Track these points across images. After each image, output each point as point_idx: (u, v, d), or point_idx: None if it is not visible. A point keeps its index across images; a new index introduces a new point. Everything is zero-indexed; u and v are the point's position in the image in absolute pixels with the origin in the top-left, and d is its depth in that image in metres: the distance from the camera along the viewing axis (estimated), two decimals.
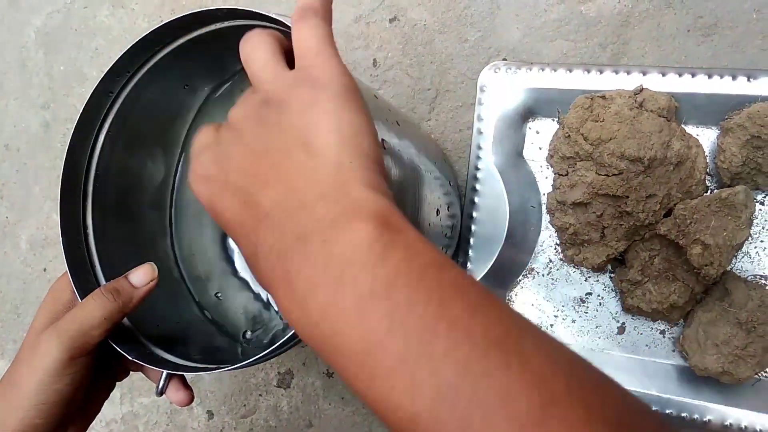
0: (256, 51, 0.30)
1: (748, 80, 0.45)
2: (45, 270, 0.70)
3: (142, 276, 0.39)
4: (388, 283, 0.22)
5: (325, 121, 0.27)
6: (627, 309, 0.47)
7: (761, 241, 0.45)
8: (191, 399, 0.41)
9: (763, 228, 0.45)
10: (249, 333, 0.50)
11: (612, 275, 0.49)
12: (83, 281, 0.40)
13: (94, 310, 0.37)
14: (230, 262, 0.54)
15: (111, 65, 0.40)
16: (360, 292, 0.22)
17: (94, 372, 0.38)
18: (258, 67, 0.30)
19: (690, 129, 0.47)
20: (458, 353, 0.21)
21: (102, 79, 0.40)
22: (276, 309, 0.53)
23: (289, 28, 0.36)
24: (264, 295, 0.53)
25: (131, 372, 0.44)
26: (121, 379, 0.44)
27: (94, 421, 0.43)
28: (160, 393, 0.39)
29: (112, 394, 0.65)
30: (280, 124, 0.27)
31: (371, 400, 0.22)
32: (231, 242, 0.54)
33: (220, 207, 0.28)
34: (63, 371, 0.36)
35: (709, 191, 0.46)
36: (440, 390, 0.20)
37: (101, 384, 0.42)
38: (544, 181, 0.50)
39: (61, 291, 0.40)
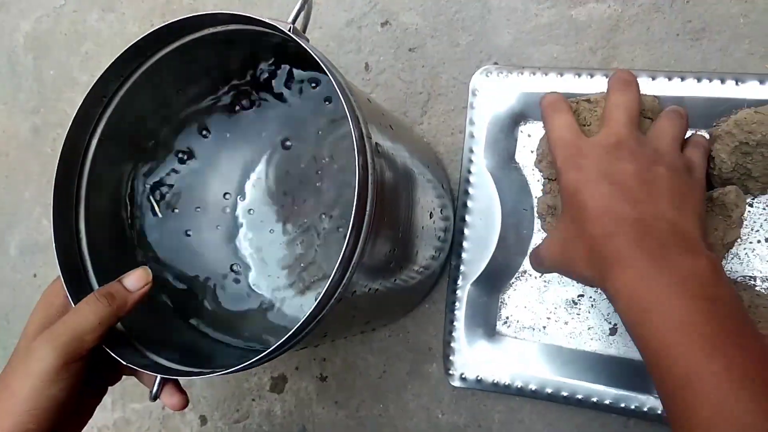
0: (676, 127, 0.42)
1: (737, 84, 0.45)
2: (35, 276, 0.70)
3: (135, 280, 0.39)
4: (716, 310, 0.32)
5: (697, 202, 0.39)
6: None
7: (750, 243, 0.46)
8: (186, 403, 0.40)
9: (752, 230, 0.46)
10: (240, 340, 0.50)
11: None
12: (76, 287, 0.40)
13: (87, 315, 0.37)
14: (223, 267, 0.54)
15: (103, 71, 0.40)
16: (694, 301, 0.33)
17: (87, 377, 0.38)
18: (670, 134, 0.41)
19: None
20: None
21: (94, 84, 0.40)
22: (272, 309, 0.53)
23: (282, 32, 0.36)
24: (258, 301, 0.53)
25: (123, 377, 0.44)
26: (113, 383, 0.44)
27: (86, 427, 0.43)
28: (154, 398, 0.39)
29: (103, 399, 0.65)
30: (666, 182, 0.38)
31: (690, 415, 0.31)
32: (223, 249, 0.54)
33: (588, 192, 0.38)
34: (56, 376, 0.36)
35: None
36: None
37: (94, 389, 0.42)
38: (536, 184, 0.51)
39: (54, 296, 0.40)
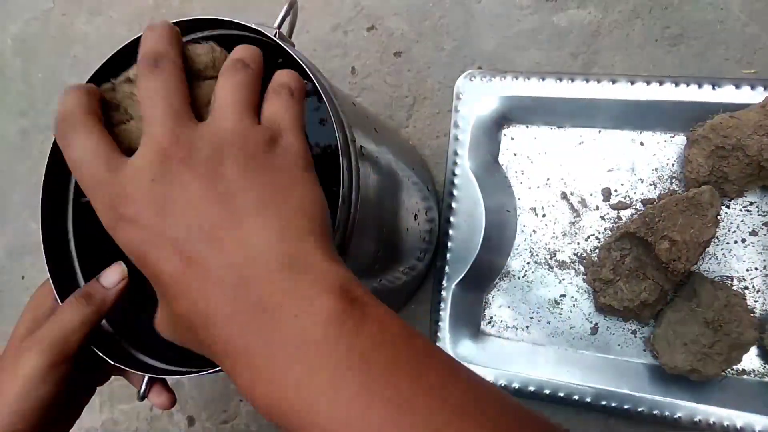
0: (234, 82, 0.29)
1: (713, 88, 0.47)
2: (23, 278, 0.70)
3: (111, 277, 0.39)
4: (364, 356, 0.22)
5: (289, 189, 0.27)
6: (600, 308, 0.49)
7: (727, 244, 0.47)
8: (173, 402, 0.41)
9: (729, 231, 0.47)
10: None
11: (584, 276, 0.50)
12: (65, 288, 0.40)
13: (71, 317, 0.37)
14: None
15: (91, 74, 0.40)
16: (336, 365, 0.22)
17: (75, 377, 0.39)
18: (231, 101, 0.28)
19: (657, 136, 0.49)
20: (436, 421, 0.21)
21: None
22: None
23: (268, 37, 0.37)
24: None
25: (112, 378, 0.44)
26: (102, 383, 0.44)
27: (74, 427, 0.43)
28: (143, 397, 0.40)
29: (91, 401, 0.65)
30: (245, 176, 0.26)
31: None
32: None
33: (152, 258, 0.25)
34: (44, 378, 0.36)
35: None
36: None
37: (82, 388, 0.42)
38: (519, 186, 0.52)
39: (42, 298, 0.40)
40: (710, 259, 0.47)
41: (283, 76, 0.31)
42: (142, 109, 0.28)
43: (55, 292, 0.39)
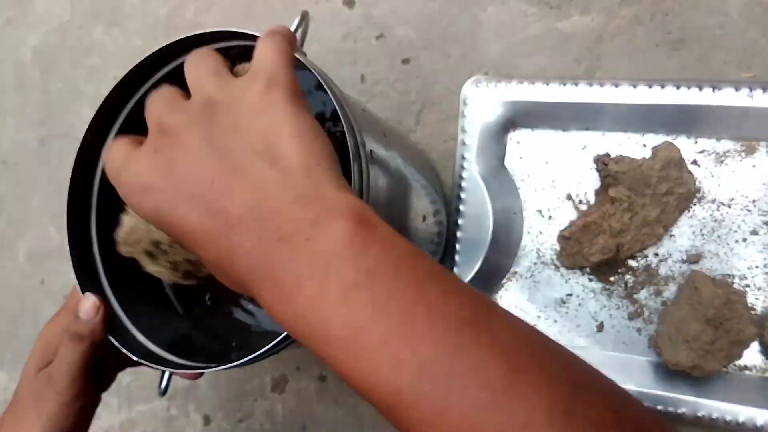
0: (203, 61, 0.31)
1: (713, 91, 0.48)
2: (43, 282, 0.72)
3: (89, 311, 0.41)
4: (370, 273, 0.24)
5: (286, 125, 0.28)
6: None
7: (728, 244, 0.48)
8: (199, 374, 0.43)
9: (730, 230, 0.48)
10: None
11: (591, 277, 0.51)
12: (90, 290, 0.42)
13: (72, 357, 0.40)
14: None
15: (112, 87, 0.42)
16: (344, 283, 0.24)
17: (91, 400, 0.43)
18: (202, 74, 0.30)
19: (660, 138, 0.50)
20: (435, 332, 0.23)
21: (105, 99, 0.43)
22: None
23: None
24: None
25: (129, 380, 0.47)
26: (105, 389, 0.47)
27: (92, 427, 0.45)
28: (163, 392, 0.41)
29: (109, 401, 0.67)
30: (236, 127, 0.28)
31: (357, 381, 0.24)
32: None
33: (175, 217, 0.27)
34: (66, 414, 0.40)
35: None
36: (421, 366, 0.23)
37: (94, 406, 0.45)
38: (525, 188, 0.53)
39: (51, 337, 0.43)
40: (712, 257, 0.49)
41: (272, 27, 0.33)
42: (146, 117, 0.31)
43: (80, 292, 0.41)
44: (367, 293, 0.24)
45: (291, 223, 0.25)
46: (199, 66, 0.31)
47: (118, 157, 0.30)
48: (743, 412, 0.45)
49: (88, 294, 0.42)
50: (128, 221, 0.41)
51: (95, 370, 0.42)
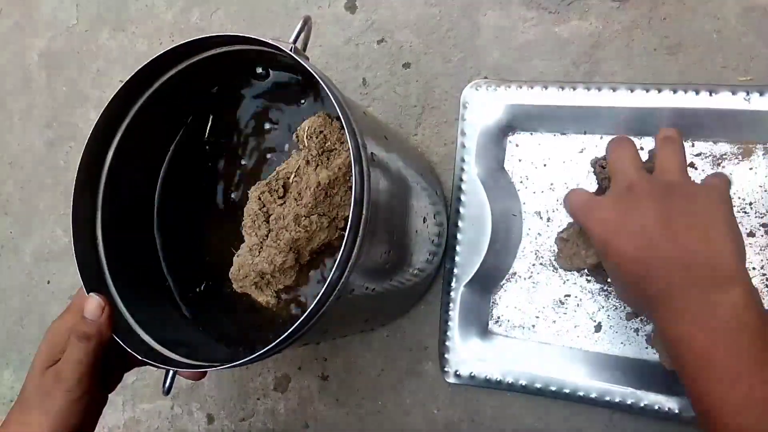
0: (674, 152, 0.43)
1: (710, 95, 0.49)
2: (49, 282, 0.73)
3: (93, 311, 0.42)
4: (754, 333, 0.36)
5: (723, 225, 0.39)
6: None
7: None
8: (203, 374, 0.44)
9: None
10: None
11: (589, 278, 0.52)
12: (96, 290, 0.43)
13: (80, 356, 0.41)
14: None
15: (117, 90, 0.43)
16: (751, 345, 0.36)
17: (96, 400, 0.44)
18: (674, 162, 0.42)
19: None
20: None
21: (110, 101, 0.43)
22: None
23: (281, 51, 0.39)
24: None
25: (134, 378, 0.48)
26: (112, 390, 0.48)
27: (97, 426, 0.46)
28: (167, 391, 0.42)
29: (114, 400, 0.68)
30: (688, 207, 0.39)
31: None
32: None
33: (617, 245, 0.40)
34: (72, 411, 0.42)
35: None
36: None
37: (100, 406, 0.46)
38: (524, 190, 0.54)
39: (57, 336, 0.44)
40: None
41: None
42: (612, 166, 0.44)
43: (85, 291, 0.42)
44: (747, 346, 0.36)
45: (705, 280, 0.38)
46: (669, 155, 0.43)
47: (585, 200, 0.44)
48: None
49: (92, 294, 0.42)
50: (237, 261, 0.46)
51: (102, 369, 0.43)
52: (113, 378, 0.47)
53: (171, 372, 0.42)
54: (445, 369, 0.54)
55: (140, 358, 0.40)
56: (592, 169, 0.51)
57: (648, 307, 0.40)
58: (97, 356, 0.42)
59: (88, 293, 0.43)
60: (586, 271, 0.52)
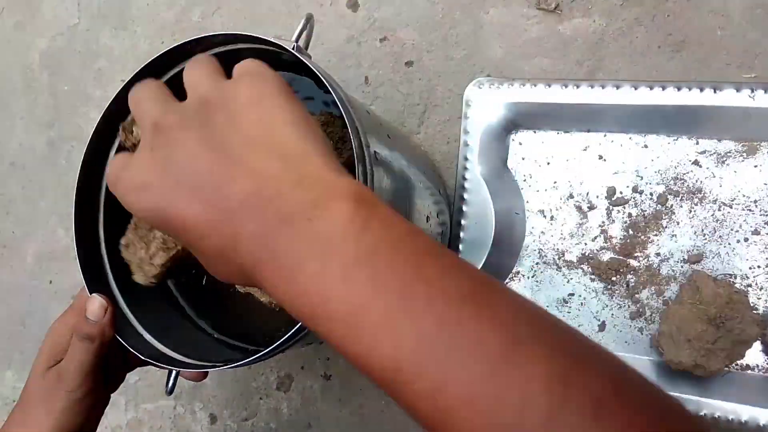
0: (199, 65, 0.32)
1: (714, 92, 0.48)
2: (51, 282, 0.73)
3: (96, 311, 0.42)
4: (370, 251, 0.25)
5: (278, 114, 0.29)
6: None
7: (729, 244, 0.49)
8: (205, 374, 0.44)
9: (732, 230, 0.49)
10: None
11: (593, 276, 0.52)
12: (98, 289, 0.43)
13: (83, 356, 0.41)
14: None
15: (119, 89, 0.43)
16: (345, 260, 0.25)
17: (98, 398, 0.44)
18: (196, 77, 0.31)
19: (661, 139, 0.50)
20: (435, 307, 0.23)
21: (112, 100, 0.43)
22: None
23: (284, 49, 0.39)
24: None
25: (137, 378, 0.48)
26: (115, 390, 0.48)
27: (100, 426, 0.46)
28: (170, 391, 0.42)
29: (117, 400, 0.68)
30: (232, 121, 0.29)
31: (358, 357, 0.25)
32: None
33: (174, 210, 0.28)
34: (75, 411, 0.42)
35: None
36: (420, 340, 0.23)
37: (103, 405, 0.46)
38: (528, 189, 0.54)
39: (59, 337, 0.44)
40: (713, 257, 0.49)
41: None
42: (135, 116, 0.32)
43: (88, 291, 0.42)
44: (367, 270, 0.24)
45: (292, 205, 0.26)
46: (195, 69, 0.32)
47: (117, 164, 0.31)
48: (746, 412, 0.46)
49: (95, 295, 0.42)
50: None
51: (104, 369, 0.43)
52: (116, 378, 0.47)
53: (174, 372, 0.42)
54: None
55: (143, 358, 0.40)
56: (122, 138, 0.41)
57: (252, 278, 0.28)
58: (100, 357, 0.42)
59: (90, 294, 0.42)
60: (590, 269, 0.52)
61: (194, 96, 0.31)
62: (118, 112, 0.45)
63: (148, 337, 0.44)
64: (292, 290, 0.26)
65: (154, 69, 0.44)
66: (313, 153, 0.28)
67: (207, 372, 0.43)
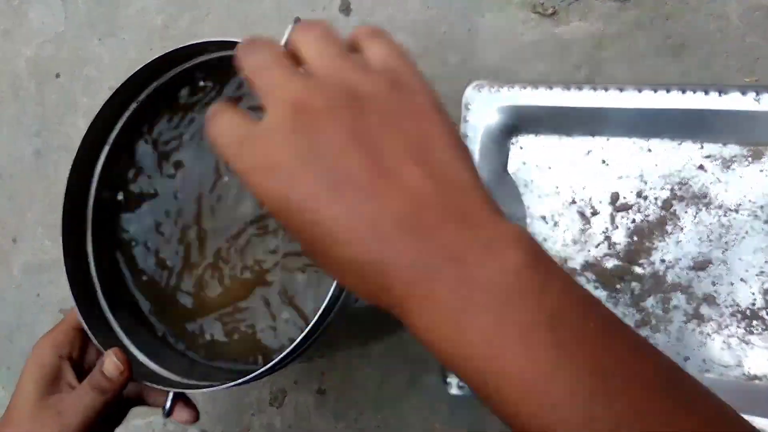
0: (325, 41, 0.28)
1: (719, 95, 0.47)
2: (38, 295, 0.71)
3: (112, 372, 0.40)
4: (553, 315, 0.22)
5: (438, 132, 0.25)
6: None
7: (735, 250, 0.48)
8: (197, 417, 0.42)
9: (737, 236, 0.48)
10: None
11: (597, 284, 0.50)
12: (87, 306, 0.42)
13: (91, 403, 0.40)
14: None
15: (108, 97, 0.42)
16: (524, 318, 0.22)
17: None
18: (329, 56, 0.27)
19: (665, 143, 0.49)
20: (632, 392, 0.21)
21: (100, 110, 0.42)
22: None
23: None
24: None
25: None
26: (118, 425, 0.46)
27: None
28: (168, 414, 0.41)
29: None
30: (388, 125, 0.25)
31: (519, 415, 0.22)
32: None
33: (309, 204, 0.24)
34: None
35: None
36: (619, 424, 0.21)
37: None
38: (529, 194, 0.52)
39: (46, 357, 0.42)
40: (719, 264, 0.48)
41: (360, 35, 0.30)
42: (257, 86, 0.26)
43: (77, 310, 0.41)
44: (550, 336, 0.22)
45: (460, 243, 0.23)
46: (320, 42, 0.27)
47: (236, 130, 0.26)
48: (754, 423, 0.44)
49: (110, 353, 0.40)
50: None
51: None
52: (121, 414, 0.45)
53: (171, 393, 0.41)
54: (448, 380, 0.53)
55: (149, 384, 0.39)
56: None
57: (393, 306, 0.24)
58: (107, 406, 0.40)
59: (77, 304, 0.41)
60: (594, 276, 0.51)
61: (336, 80, 0.26)
62: (105, 121, 0.44)
63: (142, 358, 0.43)
64: (454, 337, 0.23)
65: (143, 77, 0.43)
66: (473, 186, 0.24)
67: (198, 415, 0.42)
